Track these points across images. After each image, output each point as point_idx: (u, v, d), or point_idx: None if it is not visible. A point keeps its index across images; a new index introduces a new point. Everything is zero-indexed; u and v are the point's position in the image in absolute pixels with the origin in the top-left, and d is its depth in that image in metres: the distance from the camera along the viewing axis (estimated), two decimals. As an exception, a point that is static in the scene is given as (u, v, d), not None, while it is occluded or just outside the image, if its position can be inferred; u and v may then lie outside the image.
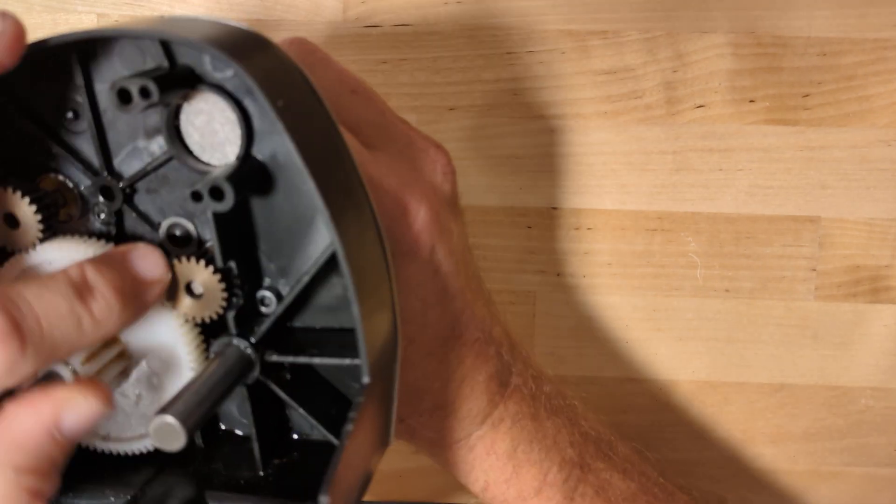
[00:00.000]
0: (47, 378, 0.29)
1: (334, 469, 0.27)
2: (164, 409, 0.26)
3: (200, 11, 0.47)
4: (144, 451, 0.33)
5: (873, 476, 0.52)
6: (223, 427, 0.35)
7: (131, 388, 0.32)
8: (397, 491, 0.52)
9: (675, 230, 0.49)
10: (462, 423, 0.37)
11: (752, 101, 0.48)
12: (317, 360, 0.31)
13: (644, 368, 0.51)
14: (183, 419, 0.26)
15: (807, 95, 0.48)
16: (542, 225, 0.49)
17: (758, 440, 0.52)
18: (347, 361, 0.30)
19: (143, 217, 0.32)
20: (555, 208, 0.49)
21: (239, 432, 0.34)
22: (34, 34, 0.47)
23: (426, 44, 0.47)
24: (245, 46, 0.29)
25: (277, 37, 0.48)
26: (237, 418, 0.34)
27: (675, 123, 0.48)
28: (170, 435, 0.26)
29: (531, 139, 0.48)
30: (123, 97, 0.27)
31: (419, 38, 0.47)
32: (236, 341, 0.31)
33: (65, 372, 0.29)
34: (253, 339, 0.31)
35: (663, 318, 0.50)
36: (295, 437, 0.34)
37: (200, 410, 0.27)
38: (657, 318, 0.50)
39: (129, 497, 0.32)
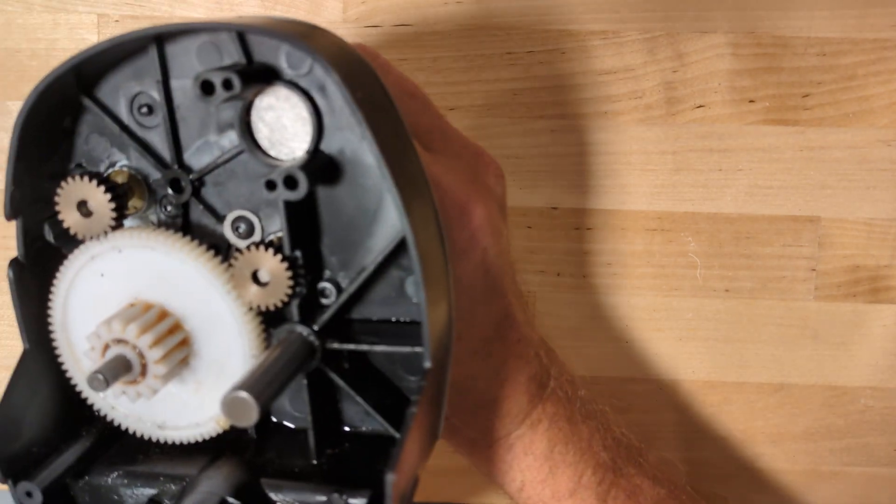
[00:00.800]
0: (115, 361, 0.30)
1: (401, 447, 0.27)
2: (236, 387, 0.27)
3: (200, 11, 0.47)
4: (199, 439, 0.34)
5: (873, 475, 0.52)
6: (274, 420, 0.36)
7: (192, 375, 0.33)
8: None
9: (674, 230, 0.49)
10: (503, 421, 0.38)
11: (751, 101, 0.48)
12: (378, 348, 0.32)
13: (644, 368, 0.51)
14: (256, 395, 0.27)
15: (806, 95, 0.48)
16: (542, 225, 0.49)
17: (757, 440, 0.52)
18: (408, 349, 0.31)
19: (210, 209, 0.33)
20: (555, 208, 0.49)
21: (290, 425, 0.36)
22: (34, 34, 0.47)
23: (426, 44, 0.47)
24: (321, 40, 0.30)
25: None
26: (289, 412, 0.35)
27: (674, 123, 0.48)
28: (243, 410, 0.27)
29: (531, 139, 0.48)
30: (206, 88, 0.28)
31: (419, 38, 0.47)
32: (300, 328, 0.32)
33: (132, 355, 0.30)
34: (315, 328, 0.32)
35: (663, 318, 0.50)
36: (346, 429, 0.35)
37: (271, 389, 0.28)
38: (657, 318, 0.50)
39: (185, 483, 0.33)
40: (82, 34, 0.47)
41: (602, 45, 0.47)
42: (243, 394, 0.27)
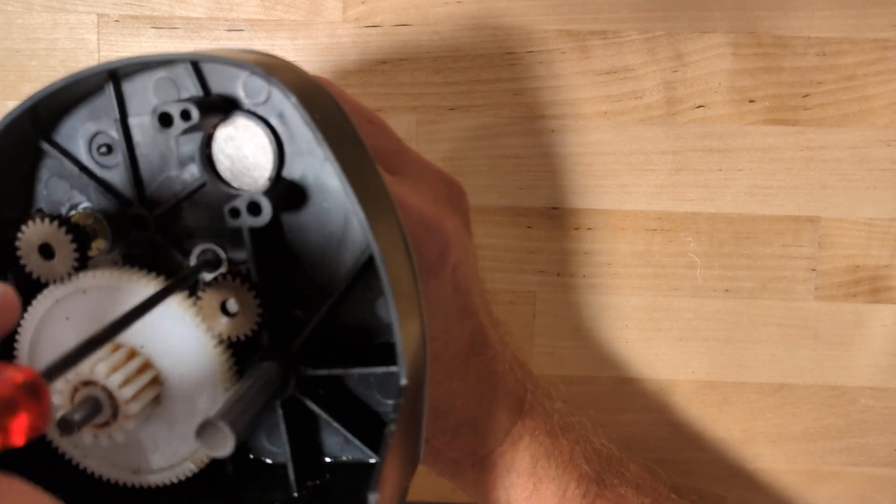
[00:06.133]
0: (84, 403, 0.29)
1: (381, 466, 0.26)
2: (211, 416, 0.26)
3: (200, 11, 0.47)
4: (176, 481, 0.33)
5: (873, 476, 0.52)
6: (252, 457, 0.35)
7: (164, 414, 0.32)
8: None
9: (674, 230, 0.49)
10: (484, 440, 0.38)
11: (751, 101, 0.48)
12: (353, 371, 0.32)
13: (644, 368, 0.51)
14: (231, 423, 0.26)
15: (807, 95, 0.48)
16: (542, 225, 0.49)
17: (757, 440, 0.52)
18: (382, 369, 0.31)
19: (175, 244, 0.32)
20: (555, 208, 0.49)
21: (268, 461, 0.35)
22: (34, 34, 0.47)
23: (426, 44, 0.47)
24: (277, 67, 0.30)
25: (277, 36, 0.48)
26: (267, 448, 0.35)
27: (675, 123, 0.48)
28: (219, 440, 0.26)
29: (531, 139, 0.48)
30: (164, 120, 0.28)
31: (419, 38, 0.47)
32: (272, 356, 0.31)
33: (102, 396, 0.29)
34: (288, 355, 0.31)
35: (663, 318, 0.50)
36: (327, 460, 0.34)
37: (245, 418, 0.28)
38: (657, 318, 0.50)
39: None
40: (82, 34, 0.47)
41: (602, 45, 0.47)
42: (219, 423, 0.26)
